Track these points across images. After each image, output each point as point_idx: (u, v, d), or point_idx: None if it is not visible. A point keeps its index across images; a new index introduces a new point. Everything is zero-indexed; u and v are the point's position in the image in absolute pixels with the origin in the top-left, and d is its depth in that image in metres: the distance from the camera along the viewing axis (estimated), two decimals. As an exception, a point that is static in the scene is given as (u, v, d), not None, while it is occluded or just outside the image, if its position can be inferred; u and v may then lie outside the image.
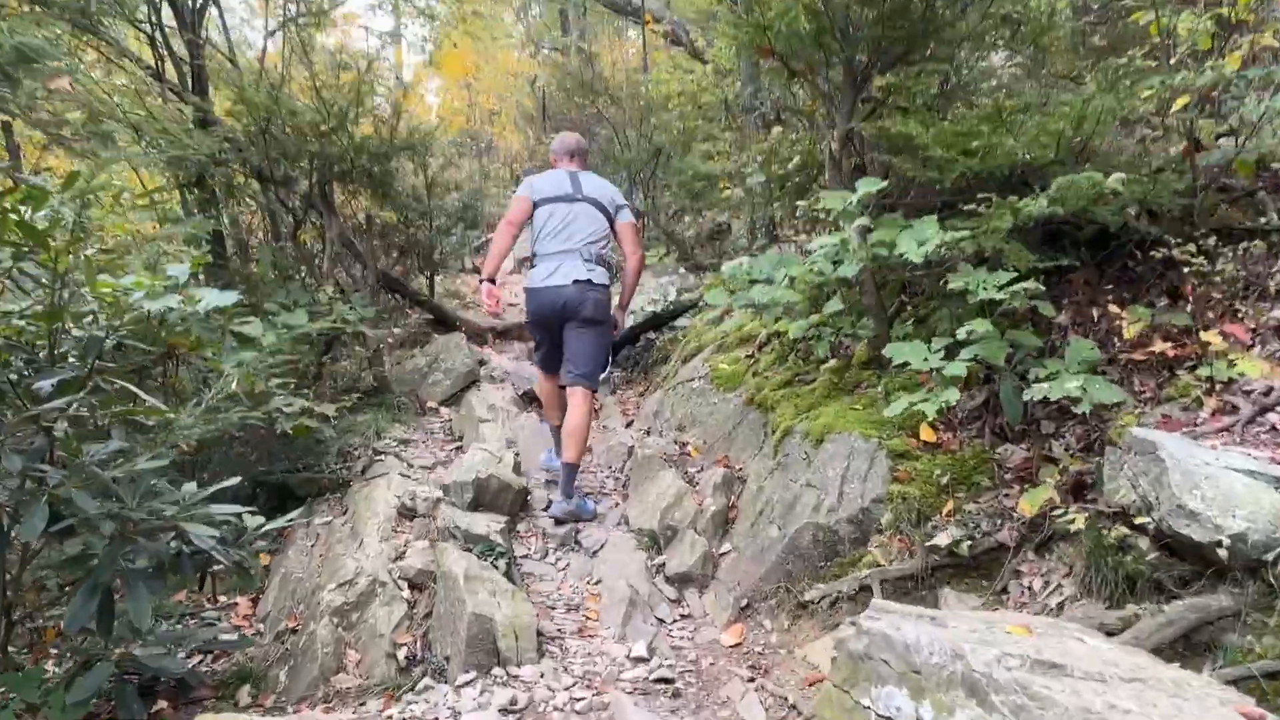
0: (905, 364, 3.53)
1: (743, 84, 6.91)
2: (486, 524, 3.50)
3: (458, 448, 4.90)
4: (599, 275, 3.93)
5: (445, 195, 9.32)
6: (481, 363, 6.59)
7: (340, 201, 7.37)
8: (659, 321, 6.13)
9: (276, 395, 3.99)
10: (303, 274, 5.86)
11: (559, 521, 3.86)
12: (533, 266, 4.03)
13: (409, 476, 4.27)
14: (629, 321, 5.96)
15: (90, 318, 2.60)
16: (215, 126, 4.91)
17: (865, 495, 3.09)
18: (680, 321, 6.04)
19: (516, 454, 4.44)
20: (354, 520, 3.91)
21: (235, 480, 2.83)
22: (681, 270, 6.44)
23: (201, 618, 3.62)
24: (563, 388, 4.15)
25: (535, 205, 4.01)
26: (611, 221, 4.08)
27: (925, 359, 2.97)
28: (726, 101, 7.90)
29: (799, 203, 4.49)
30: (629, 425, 5.30)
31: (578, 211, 3.96)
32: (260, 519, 2.99)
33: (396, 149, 5.07)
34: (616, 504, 4.18)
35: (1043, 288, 2.92)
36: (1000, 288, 2.91)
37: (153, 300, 2.64)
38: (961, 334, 2.86)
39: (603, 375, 4.29)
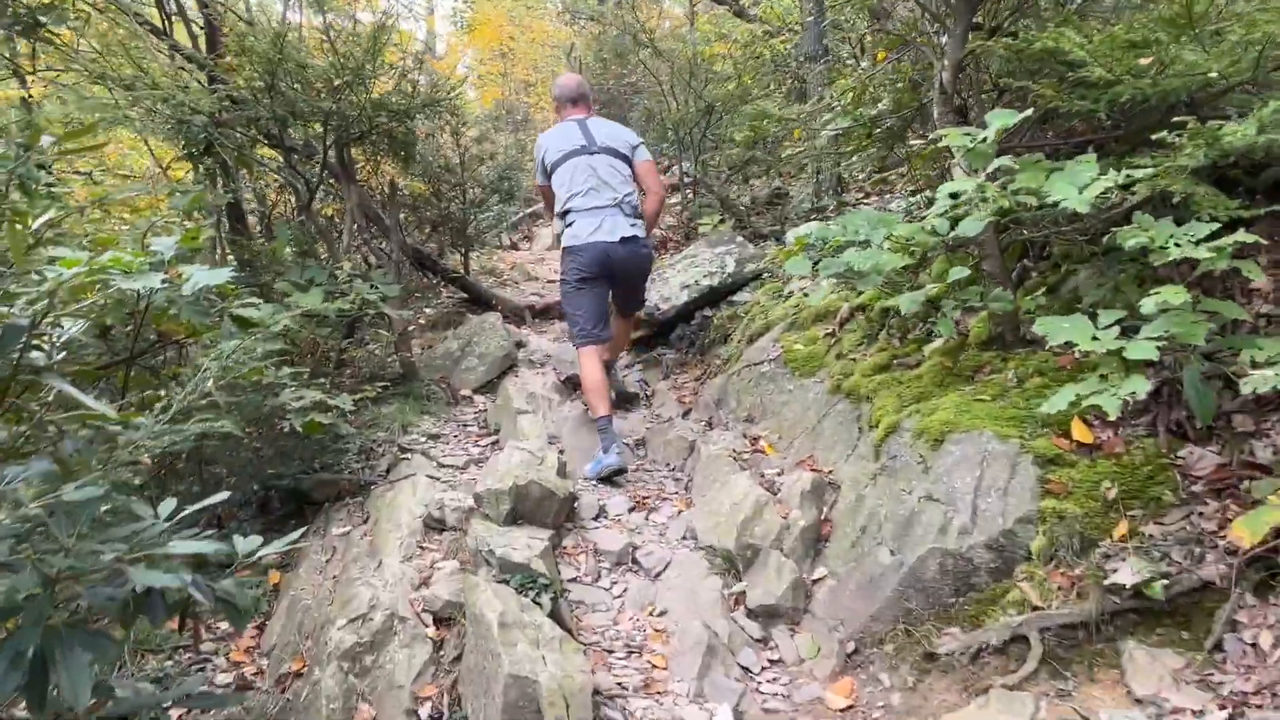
0: (1037, 345, 2.84)
1: (806, 28, 6.16)
2: (527, 543, 2.89)
3: (493, 442, 4.31)
4: (640, 228, 3.97)
5: (479, 166, 8.73)
6: (519, 345, 5.99)
7: (364, 172, 6.81)
8: (716, 296, 5.46)
9: (287, 387, 3.45)
10: (323, 251, 5.30)
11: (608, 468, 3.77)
12: (569, 224, 3.95)
13: (437, 478, 3.69)
14: (684, 297, 5.31)
15: (32, 300, 2.03)
16: (220, 85, 4.34)
17: (1007, 513, 2.42)
18: (740, 296, 5.37)
19: (560, 452, 3.83)
20: (374, 532, 3.34)
21: (221, 496, 2.25)
22: (739, 239, 5.74)
23: (199, 651, 3.09)
24: (607, 365, 4.27)
25: (552, 171, 4.00)
26: (630, 163, 4.04)
27: (1094, 337, 2.27)
28: (778, 60, 7.15)
29: (894, 150, 3.78)
30: (686, 414, 4.67)
31: (599, 164, 3.91)
32: (256, 541, 2.42)
33: (419, 106, 4.46)
34: (680, 511, 3.55)
35: (1251, 240, 2.19)
36: (1199, 242, 2.19)
37: (133, 280, 2.06)
38: (1149, 306, 2.15)
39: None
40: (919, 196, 4.84)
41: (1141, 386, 2.12)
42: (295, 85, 4.21)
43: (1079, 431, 2.52)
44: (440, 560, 3.03)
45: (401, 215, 8.10)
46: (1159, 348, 2.13)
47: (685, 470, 3.92)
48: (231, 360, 2.48)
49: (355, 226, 4.83)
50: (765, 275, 5.45)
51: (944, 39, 3.09)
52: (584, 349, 3.99)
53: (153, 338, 2.91)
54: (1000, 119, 2.62)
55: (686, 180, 7.24)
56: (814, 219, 5.97)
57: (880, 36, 4.78)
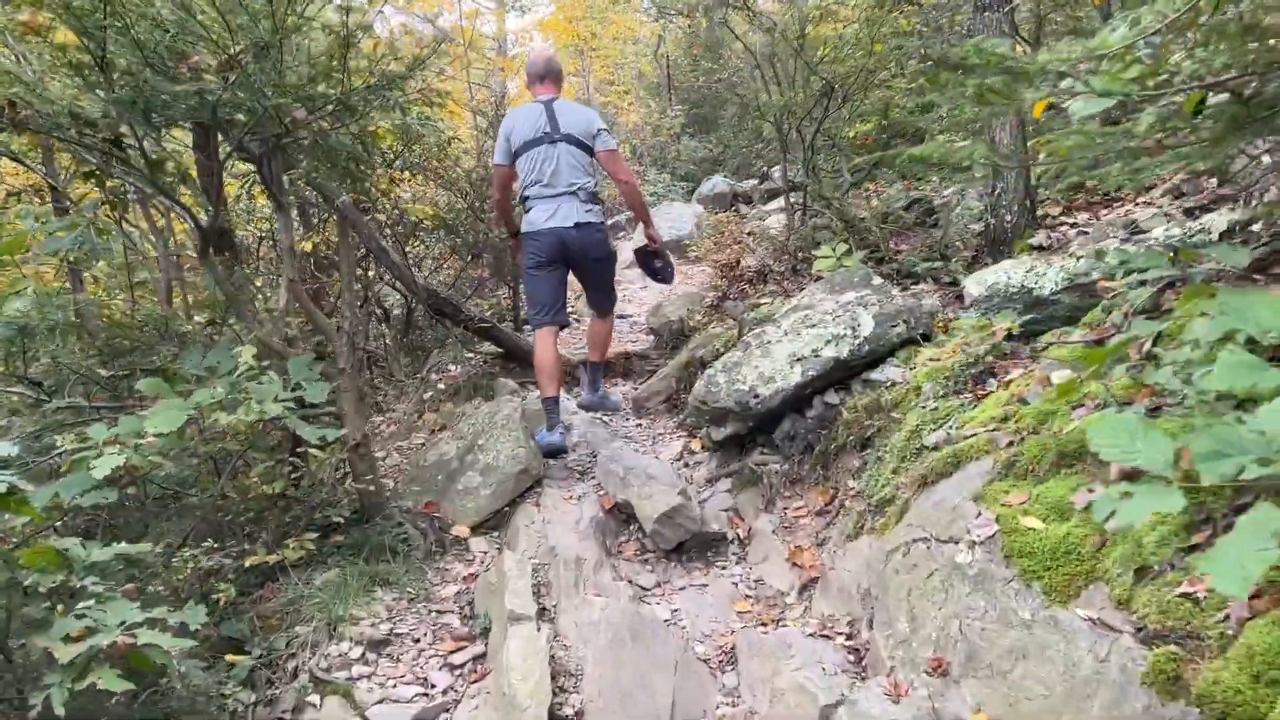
0: None
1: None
2: None
3: (477, 657, 2.53)
4: (595, 214, 3.96)
5: None
6: (566, 429, 4.22)
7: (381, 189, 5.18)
8: (845, 373, 3.53)
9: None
10: (271, 306, 3.65)
11: (583, 409, 4.26)
12: (527, 211, 3.98)
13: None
14: (795, 376, 3.40)
15: None
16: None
17: None
18: (884, 372, 3.43)
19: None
20: None
21: None
22: (876, 280, 3.78)
23: None
24: (580, 356, 4.40)
25: (515, 155, 3.95)
26: (592, 152, 3.94)
27: None
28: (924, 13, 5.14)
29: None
30: (806, 592, 2.77)
31: (560, 153, 3.87)
32: None
33: (362, 93, 2.71)
34: None
35: None
36: None
37: None
38: None
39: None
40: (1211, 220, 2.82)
41: None
42: (154, 54, 2.52)
43: None
44: None
45: (417, 245, 6.47)
46: None
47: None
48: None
49: (290, 276, 3.12)
50: (920, 339, 3.49)
51: None
52: (539, 331, 4.01)
53: None
54: None
55: (792, 190, 5.28)
56: (1000, 253, 3.94)
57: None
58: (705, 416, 3.65)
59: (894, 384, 3.41)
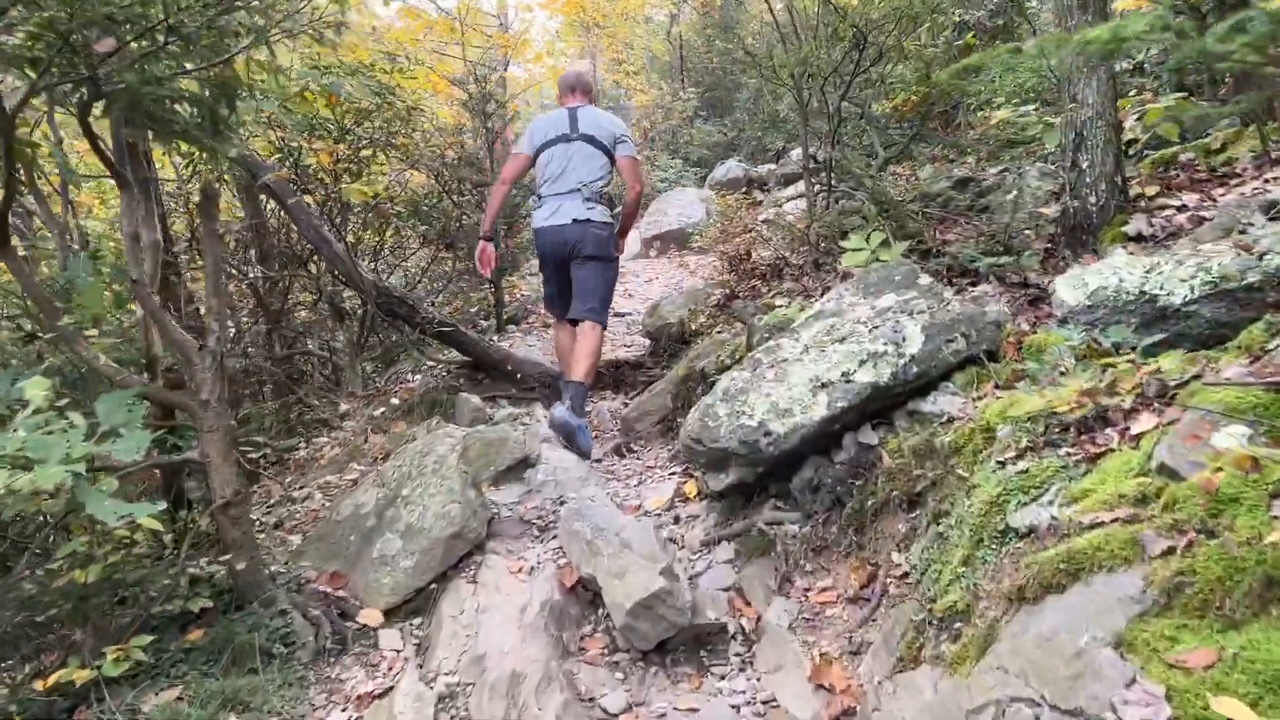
0: None
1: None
2: None
3: None
4: (598, 213, 3.95)
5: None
6: (528, 464, 3.40)
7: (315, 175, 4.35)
8: (887, 401, 2.66)
9: None
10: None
11: (554, 426, 3.69)
12: (536, 209, 4.06)
13: None
14: (821, 409, 2.52)
15: None
16: None
17: None
18: (937, 401, 2.56)
19: None
20: None
21: None
22: (923, 279, 2.91)
23: None
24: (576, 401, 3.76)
25: (537, 152, 4.04)
26: (612, 157, 4.01)
27: None
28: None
29: None
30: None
31: (574, 151, 3.96)
32: None
33: (213, 13, 1.86)
34: None
35: None
36: None
37: None
38: None
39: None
40: None
41: None
42: None
43: None
44: None
45: (376, 234, 5.64)
46: None
47: None
48: None
49: (135, 276, 2.29)
50: (983, 359, 2.62)
51: None
52: (556, 323, 4.15)
53: None
54: None
55: (814, 169, 4.38)
56: (1083, 244, 3.05)
57: None
58: (701, 459, 2.79)
59: (951, 419, 2.54)
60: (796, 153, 12.61)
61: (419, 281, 5.76)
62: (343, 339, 5.18)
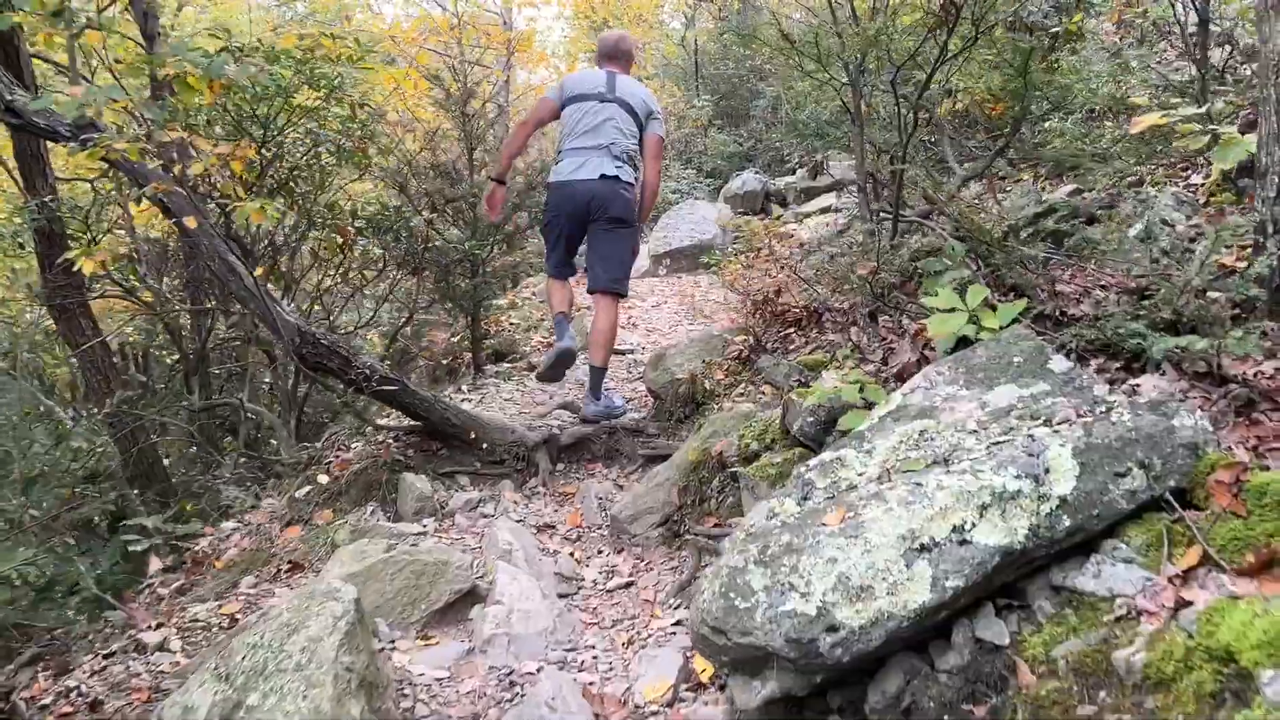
0: None
1: None
2: None
3: None
4: (626, 173, 3.73)
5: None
6: (474, 597, 2.42)
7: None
8: (1023, 569, 1.64)
9: None
10: None
11: (586, 422, 3.81)
12: (557, 162, 3.83)
13: None
14: (921, 589, 1.54)
15: None
16: None
17: None
18: (1099, 576, 1.58)
19: None
20: None
21: None
22: (1054, 360, 1.90)
23: None
24: (593, 382, 3.76)
25: (564, 104, 3.80)
26: (642, 129, 3.80)
27: None
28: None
29: None
30: None
31: (610, 111, 3.73)
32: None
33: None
34: None
35: None
36: None
37: None
38: None
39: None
40: None
41: None
42: None
43: None
44: None
45: (332, 251, 4.70)
46: None
47: None
48: None
49: None
50: (1171, 502, 1.62)
51: None
52: (552, 280, 3.93)
53: None
54: None
55: (872, 187, 3.36)
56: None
57: None
58: (724, 656, 1.77)
59: (1135, 612, 1.54)
60: (839, 163, 11.62)
61: (373, 316, 4.78)
62: (279, 393, 4.21)
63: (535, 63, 13.06)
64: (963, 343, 2.40)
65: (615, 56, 3.93)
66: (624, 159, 3.73)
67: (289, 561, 2.96)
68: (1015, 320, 2.24)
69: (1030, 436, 1.79)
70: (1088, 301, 2.29)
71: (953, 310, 2.28)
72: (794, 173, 12.33)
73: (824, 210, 10.30)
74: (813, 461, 2.00)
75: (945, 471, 1.77)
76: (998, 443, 1.81)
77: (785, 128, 9.74)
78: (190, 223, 2.65)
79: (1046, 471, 1.70)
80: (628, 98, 3.76)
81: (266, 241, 4.46)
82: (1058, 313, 2.36)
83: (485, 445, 3.61)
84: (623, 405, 3.86)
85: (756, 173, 12.27)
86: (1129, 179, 4.24)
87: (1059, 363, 2.01)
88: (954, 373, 2.08)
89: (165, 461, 4.61)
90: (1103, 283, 2.49)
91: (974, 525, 1.64)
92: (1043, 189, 4.53)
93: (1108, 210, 3.35)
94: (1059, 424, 1.82)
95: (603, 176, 3.65)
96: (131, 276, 4.54)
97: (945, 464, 1.81)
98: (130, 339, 4.36)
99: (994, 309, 2.30)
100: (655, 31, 17.88)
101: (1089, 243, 2.85)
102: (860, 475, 1.90)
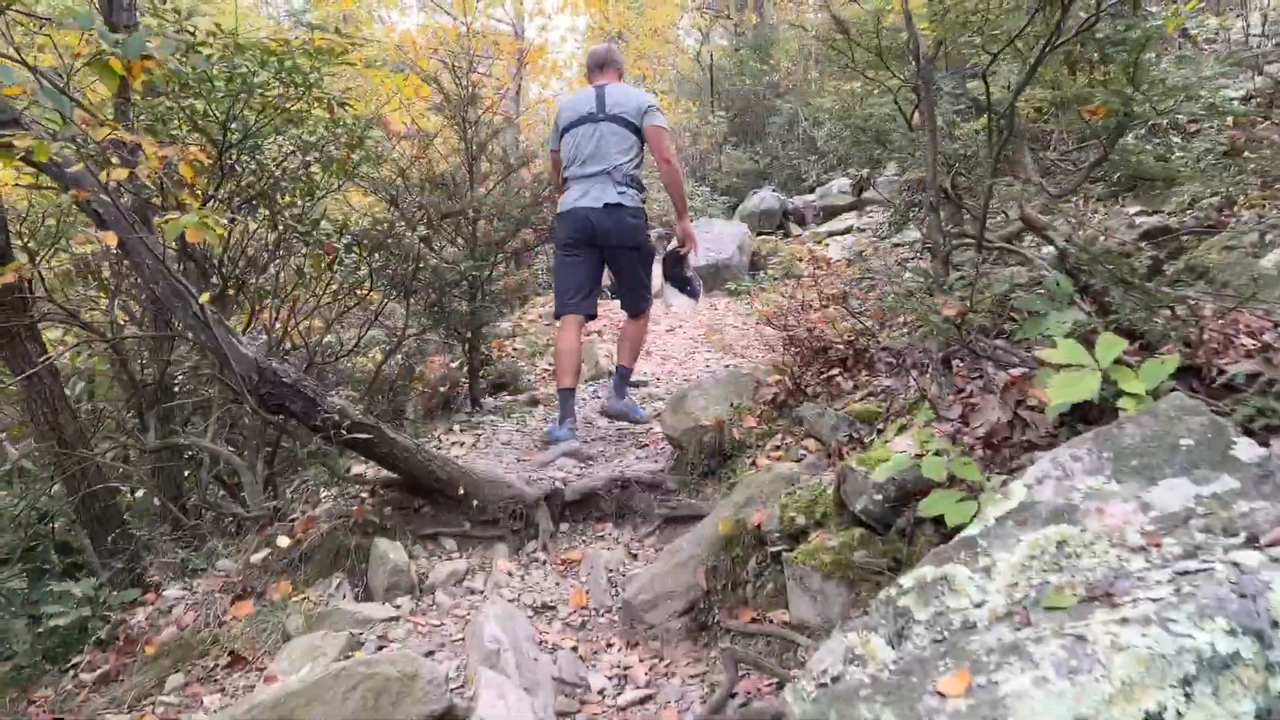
0: None
1: None
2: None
3: None
4: (630, 197, 3.79)
5: (510, 186, 4.84)
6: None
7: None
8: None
9: None
10: None
11: (606, 415, 4.00)
12: (563, 192, 3.94)
13: None
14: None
15: None
16: None
17: None
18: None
19: None
20: None
21: None
22: (1238, 445, 1.40)
23: None
24: (620, 387, 4.04)
25: (562, 134, 3.90)
26: (641, 135, 3.81)
27: None
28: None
29: None
30: None
31: (602, 132, 3.80)
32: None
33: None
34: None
35: None
36: None
37: None
38: None
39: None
40: None
41: None
42: None
43: None
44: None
45: (316, 266, 4.20)
46: None
47: None
48: None
49: None
50: None
51: None
52: (563, 318, 3.89)
53: None
54: None
55: (948, 205, 2.82)
56: None
57: None
58: None
59: None
60: (838, 183, 11.11)
61: (357, 343, 4.26)
62: (245, 433, 3.70)
63: (547, 74, 12.63)
64: (1077, 407, 1.86)
65: (604, 65, 3.99)
66: (626, 183, 3.80)
67: (229, 652, 2.42)
68: (1170, 385, 1.69)
69: (1234, 564, 1.24)
70: (1258, 358, 1.74)
71: (1078, 369, 1.73)
72: (812, 191, 11.87)
73: (846, 230, 9.79)
74: (906, 581, 1.45)
75: (1115, 617, 1.22)
76: (1185, 571, 1.27)
77: (845, 134, 9.23)
78: (109, 239, 2.13)
79: (1274, 625, 1.15)
80: (619, 110, 3.79)
81: (242, 261, 3.96)
82: (1210, 370, 1.81)
83: (476, 502, 3.07)
84: (646, 415, 4.04)
85: (774, 190, 11.82)
86: (1211, 199, 3.72)
87: (1246, 449, 1.46)
88: (1096, 458, 1.53)
89: (127, 504, 4.10)
90: (1258, 329, 1.94)
91: (1180, 714, 1.09)
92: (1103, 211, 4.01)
93: (1204, 236, 2.82)
94: (1271, 544, 1.28)
95: (606, 205, 3.74)
96: (102, 296, 4.06)
97: (1109, 601, 1.26)
98: (79, 366, 3.85)
99: (1129, 365, 1.75)
100: (670, 46, 17.49)
101: (1209, 276, 2.31)
102: (979, 609, 1.35)
